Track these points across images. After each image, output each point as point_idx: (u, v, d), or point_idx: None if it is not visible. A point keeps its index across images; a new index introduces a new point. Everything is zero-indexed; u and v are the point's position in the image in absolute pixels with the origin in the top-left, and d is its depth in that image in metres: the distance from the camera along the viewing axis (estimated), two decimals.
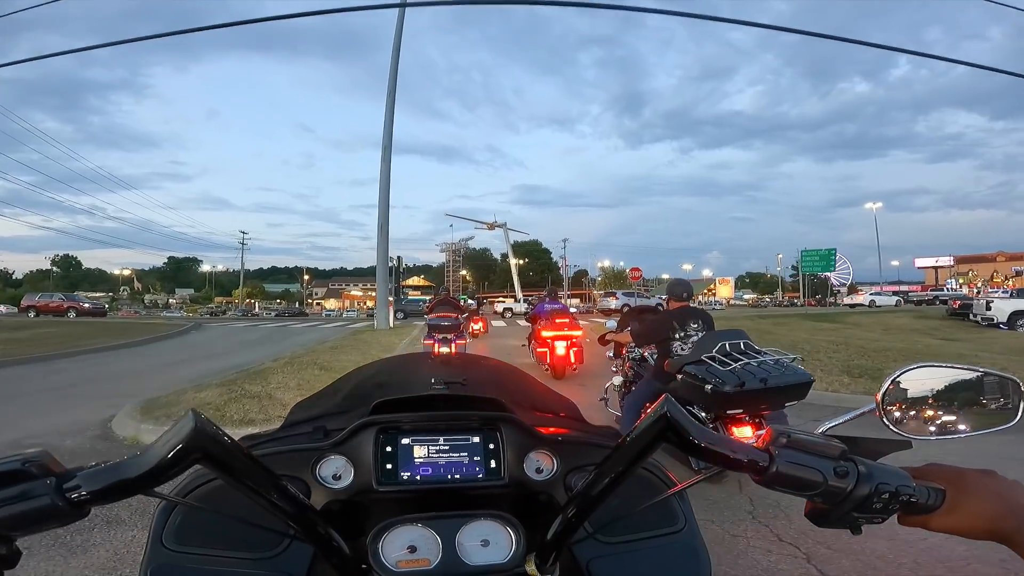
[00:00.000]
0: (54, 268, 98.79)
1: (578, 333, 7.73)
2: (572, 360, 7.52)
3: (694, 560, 0.71)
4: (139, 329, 18.11)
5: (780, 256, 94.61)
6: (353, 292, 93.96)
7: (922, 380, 0.65)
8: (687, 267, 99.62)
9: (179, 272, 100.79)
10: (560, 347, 7.51)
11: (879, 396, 0.63)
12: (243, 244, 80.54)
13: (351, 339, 12.96)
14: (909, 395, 0.65)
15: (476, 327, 14.99)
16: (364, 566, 0.59)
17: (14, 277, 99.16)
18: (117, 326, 19.72)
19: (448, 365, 1.03)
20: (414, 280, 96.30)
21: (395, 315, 19.50)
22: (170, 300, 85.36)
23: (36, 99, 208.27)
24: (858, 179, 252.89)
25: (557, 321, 7.79)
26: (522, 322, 27.01)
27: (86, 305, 29.26)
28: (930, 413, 0.64)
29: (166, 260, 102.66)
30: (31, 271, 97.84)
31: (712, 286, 78.62)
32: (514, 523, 0.63)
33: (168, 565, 0.61)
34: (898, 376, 0.65)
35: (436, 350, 7.18)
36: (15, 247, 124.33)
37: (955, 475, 0.54)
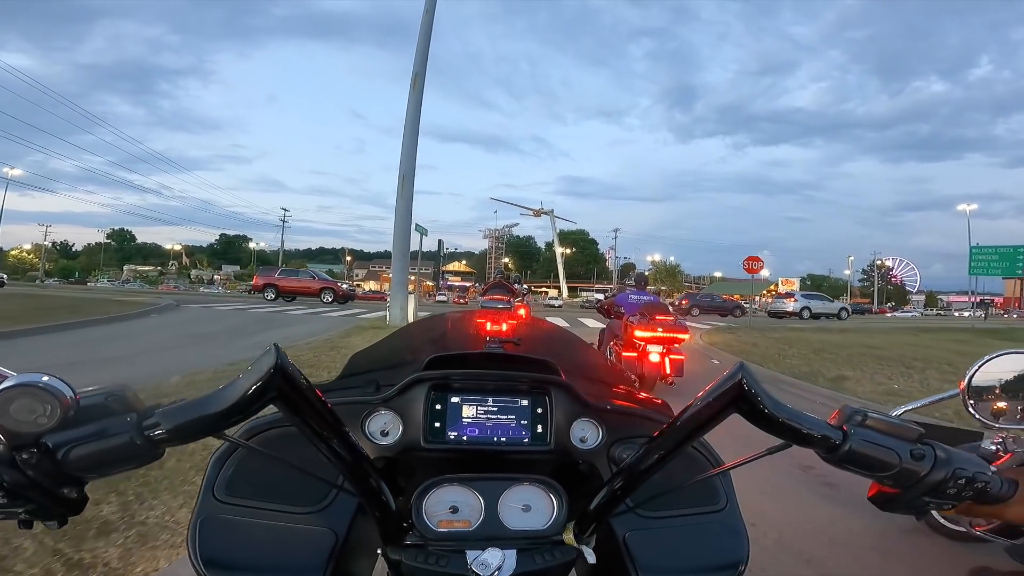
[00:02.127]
0: (111, 241, 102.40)
1: (684, 336, 5.89)
2: (668, 371, 5.71)
3: (734, 539, 0.68)
4: (90, 307, 13.15)
5: (851, 258, 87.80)
6: (391, 274, 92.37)
7: (1012, 369, 0.61)
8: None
9: (229, 249, 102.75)
10: (654, 353, 5.72)
11: (964, 382, 0.61)
12: (284, 222, 79.10)
13: (326, 350, 7.73)
14: (999, 383, 0.61)
15: (520, 312, 12.67)
16: (405, 524, 0.59)
17: (73, 249, 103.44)
18: (61, 301, 14.94)
19: (505, 325, 0.99)
20: (455, 266, 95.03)
21: (433, 298, 15.80)
22: (215, 276, 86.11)
23: (111, 83, 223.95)
24: (928, 182, 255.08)
25: (657, 318, 5.81)
26: (568, 313, 22.91)
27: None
28: (1015, 403, 0.61)
29: (217, 237, 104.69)
30: (88, 244, 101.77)
31: (773, 287, 73.25)
32: (558, 490, 0.63)
33: (217, 515, 0.63)
34: (987, 361, 0.61)
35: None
36: (72, 220, 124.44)
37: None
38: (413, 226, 13.34)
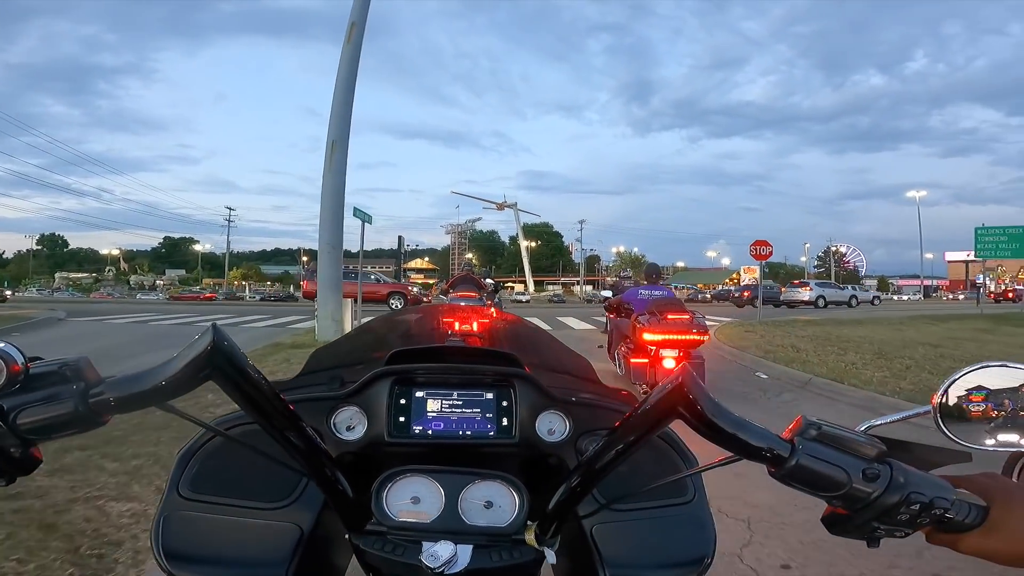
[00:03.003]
0: (42, 248, 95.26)
1: (702, 338, 4.92)
2: None
3: (701, 532, 0.68)
4: None
5: (807, 245, 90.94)
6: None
7: (991, 383, 0.57)
8: (712, 254, 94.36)
9: (174, 252, 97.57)
10: (668, 358, 4.79)
11: (936, 397, 0.57)
12: (228, 221, 74.94)
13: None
14: (973, 399, 0.57)
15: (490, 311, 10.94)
16: (370, 517, 0.60)
17: (3, 256, 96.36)
18: None
19: (466, 318, 0.98)
20: (417, 263, 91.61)
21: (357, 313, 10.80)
22: (156, 281, 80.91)
23: (44, 84, 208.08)
24: (869, 172, 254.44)
25: (669, 318, 4.89)
26: (542, 310, 21.13)
27: None
28: (996, 422, 0.56)
29: (161, 240, 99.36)
30: (18, 251, 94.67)
31: (736, 275, 73.41)
32: (520, 488, 0.61)
33: (181, 513, 0.63)
34: (961, 377, 0.57)
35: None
36: (3, 227, 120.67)
37: (1004, 490, 0.48)
38: (351, 211, 10.63)
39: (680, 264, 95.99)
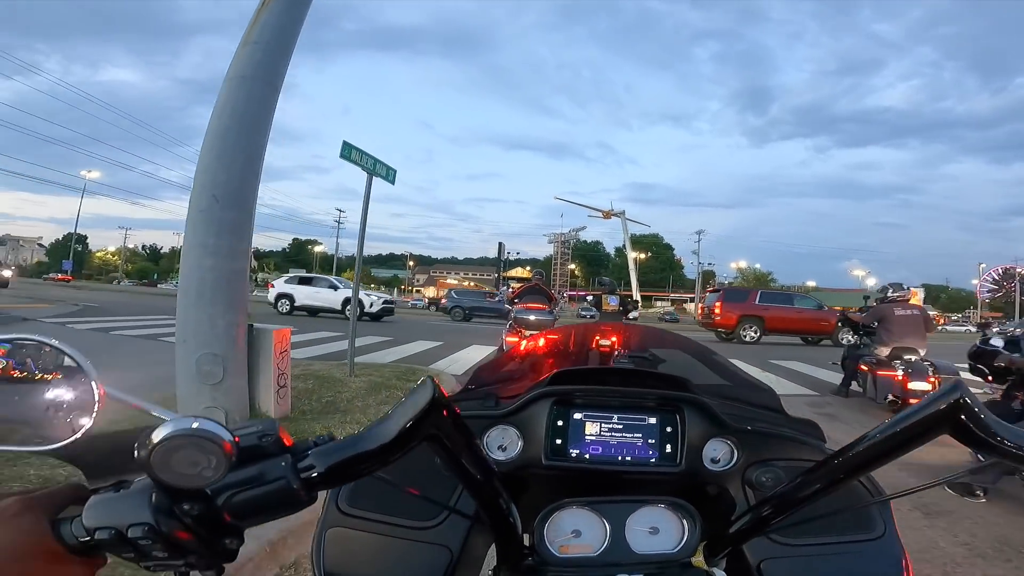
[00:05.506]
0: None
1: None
2: None
3: (893, 570, 0.61)
4: None
5: (982, 265, 75.74)
6: (449, 280, 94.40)
7: None
8: (859, 273, 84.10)
9: (301, 253, 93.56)
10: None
11: None
12: (339, 223, 73.87)
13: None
14: None
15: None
16: (525, 546, 0.57)
17: (162, 252, 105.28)
18: None
19: (632, 337, 0.98)
20: (518, 271, 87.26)
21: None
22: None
23: (207, 97, 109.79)
24: None
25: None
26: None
27: None
28: None
29: (290, 242, 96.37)
30: (172, 247, 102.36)
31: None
32: (691, 512, 0.59)
33: (340, 528, 0.63)
34: None
35: None
36: (153, 226, 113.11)
37: None
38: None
39: (811, 283, 79.63)
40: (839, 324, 8.01)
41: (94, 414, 0.44)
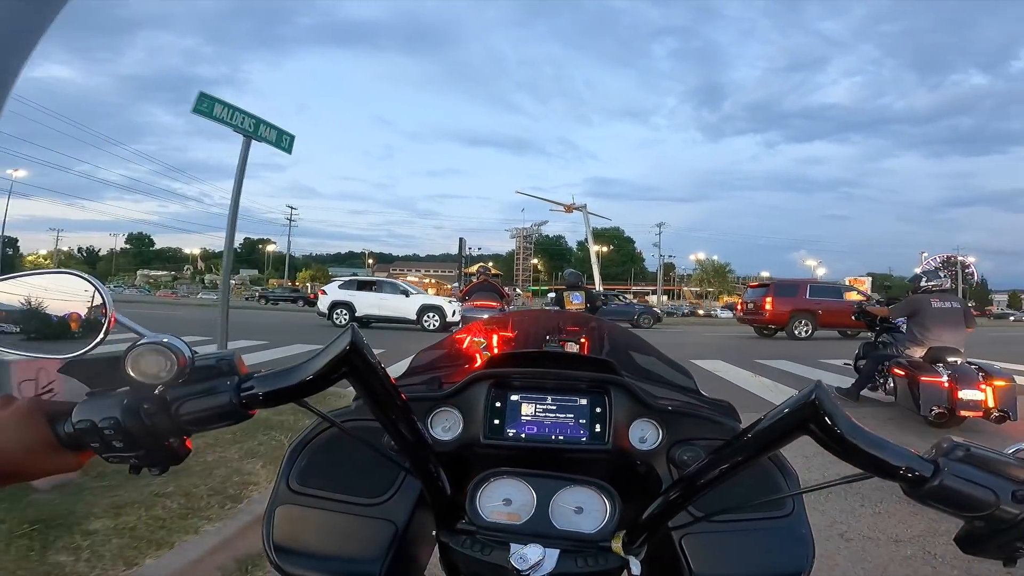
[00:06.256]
0: (129, 247, 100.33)
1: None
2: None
3: (799, 547, 0.65)
4: None
5: (924, 254, 78.59)
6: (409, 278, 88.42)
7: None
8: (811, 263, 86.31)
9: (253, 253, 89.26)
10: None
11: None
12: (290, 220, 69.23)
13: None
14: None
15: None
16: (461, 516, 0.61)
17: (99, 254, 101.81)
18: None
19: (564, 324, 1.03)
20: (490, 267, 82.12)
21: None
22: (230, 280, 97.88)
23: (152, 94, 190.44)
24: (974, 176, 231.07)
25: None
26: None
27: None
28: None
29: (241, 242, 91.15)
30: (111, 249, 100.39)
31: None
32: (613, 496, 0.61)
33: (290, 506, 0.66)
34: None
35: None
36: (93, 228, 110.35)
37: None
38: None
39: (765, 273, 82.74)
40: (853, 318, 6.89)
41: (103, 333, 0.54)
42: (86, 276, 0.57)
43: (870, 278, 58.14)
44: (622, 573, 0.58)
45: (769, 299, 14.95)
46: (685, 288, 78.91)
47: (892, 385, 5.05)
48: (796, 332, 14.56)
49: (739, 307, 16.94)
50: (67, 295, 0.56)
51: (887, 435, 0.43)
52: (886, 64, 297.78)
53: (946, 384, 4.37)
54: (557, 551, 0.56)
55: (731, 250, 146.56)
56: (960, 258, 70.71)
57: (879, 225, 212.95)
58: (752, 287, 17.00)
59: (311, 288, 50.82)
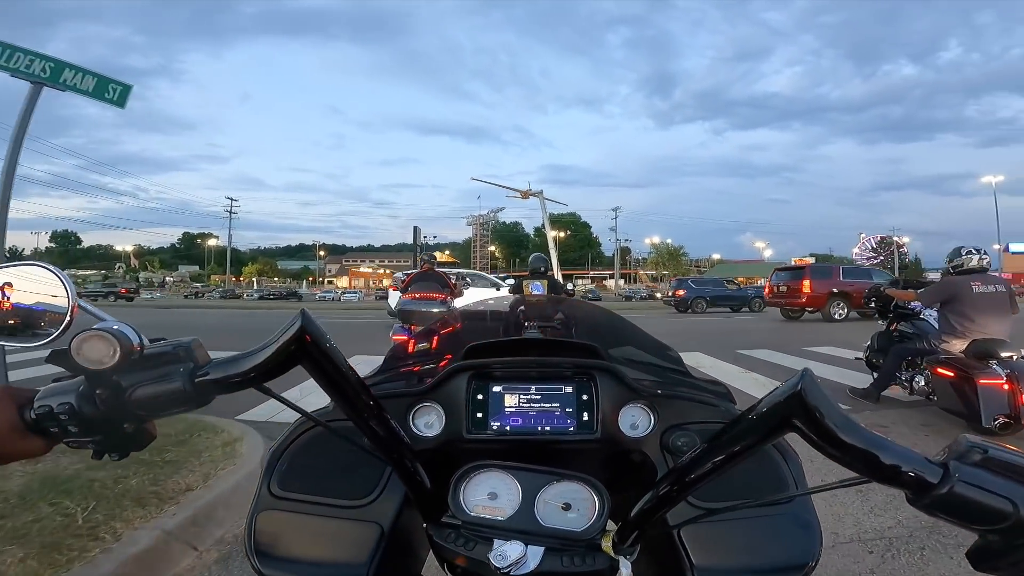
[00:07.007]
0: (53, 244, 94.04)
1: None
2: None
3: (805, 534, 0.61)
4: None
5: (862, 235, 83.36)
6: (362, 269, 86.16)
7: None
8: (760, 245, 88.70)
9: (193, 249, 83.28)
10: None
11: None
12: (231, 212, 64.82)
13: None
14: None
15: None
16: (447, 510, 0.59)
17: (23, 253, 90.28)
18: None
19: (544, 308, 0.99)
20: (437, 256, 79.88)
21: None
22: (166, 278, 79.76)
23: None
24: (904, 162, 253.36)
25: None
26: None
27: None
28: None
29: (180, 237, 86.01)
30: (35, 248, 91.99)
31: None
32: (601, 491, 0.58)
33: (272, 512, 0.64)
34: None
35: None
36: (15, 227, 79.15)
37: None
38: None
39: (716, 256, 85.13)
40: (866, 302, 5.70)
41: (67, 321, 0.57)
42: (51, 267, 0.59)
43: (812, 259, 60.44)
44: (613, 573, 0.55)
45: (807, 281, 15.00)
46: (641, 271, 79.77)
47: (922, 384, 4.27)
48: (833, 314, 14.79)
49: (767, 290, 17.18)
50: (34, 286, 0.58)
51: (924, 448, 0.36)
52: (825, 54, 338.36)
53: (1005, 386, 3.56)
54: (542, 549, 0.55)
55: (683, 234, 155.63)
56: (895, 239, 73.90)
57: (818, 208, 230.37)
58: (779, 270, 17.22)
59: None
